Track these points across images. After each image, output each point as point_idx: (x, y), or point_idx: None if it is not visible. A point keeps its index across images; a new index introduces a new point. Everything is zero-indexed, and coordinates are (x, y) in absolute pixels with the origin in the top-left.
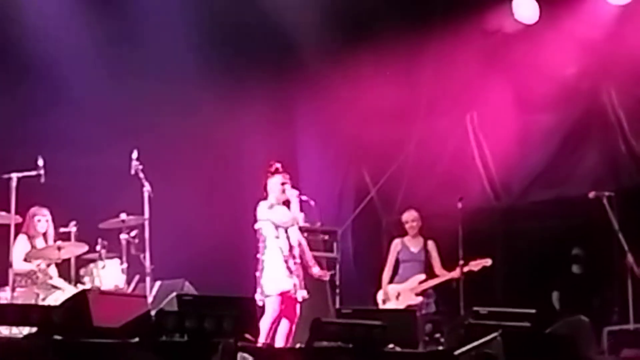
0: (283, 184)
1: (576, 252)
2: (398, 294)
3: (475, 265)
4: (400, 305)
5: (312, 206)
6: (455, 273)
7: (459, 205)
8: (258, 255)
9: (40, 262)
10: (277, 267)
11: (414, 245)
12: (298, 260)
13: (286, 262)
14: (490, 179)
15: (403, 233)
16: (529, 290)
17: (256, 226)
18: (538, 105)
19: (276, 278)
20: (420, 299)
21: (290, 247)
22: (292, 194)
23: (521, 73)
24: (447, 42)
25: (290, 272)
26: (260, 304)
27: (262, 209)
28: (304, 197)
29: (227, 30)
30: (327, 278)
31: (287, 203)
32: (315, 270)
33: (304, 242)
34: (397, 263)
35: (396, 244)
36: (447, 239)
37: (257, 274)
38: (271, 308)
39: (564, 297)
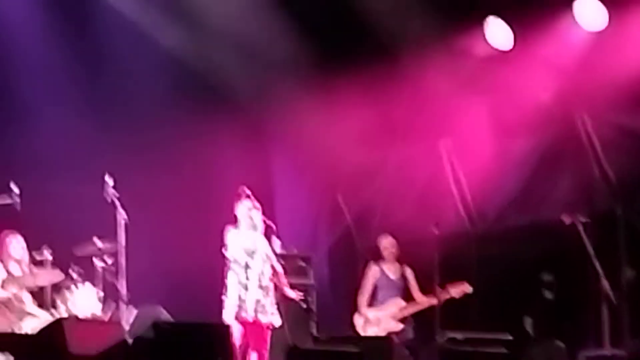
0: (250, 209)
1: (546, 277)
2: (378, 319)
3: (455, 292)
4: (381, 331)
5: (275, 231)
6: (434, 300)
7: (435, 231)
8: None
9: (17, 291)
10: (233, 294)
11: (392, 272)
12: (269, 286)
13: (245, 288)
14: (465, 204)
15: (379, 258)
16: (504, 316)
17: (225, 252)
18: (512, 130)
19: (230, 305)
20: (401, 325)
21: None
22: (258, 219)
23: (495, 98)
24: (422, 69)
25: (243, 300)
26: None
27: (229, 235)
28: (268, 222)
29: (201, 54)
30: (298, 298)
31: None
32: (288, 291)
33: (278, 266)
34: (374, 288)
35: (375, 270)
36: (422, 264)
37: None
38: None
39: (536, 322)
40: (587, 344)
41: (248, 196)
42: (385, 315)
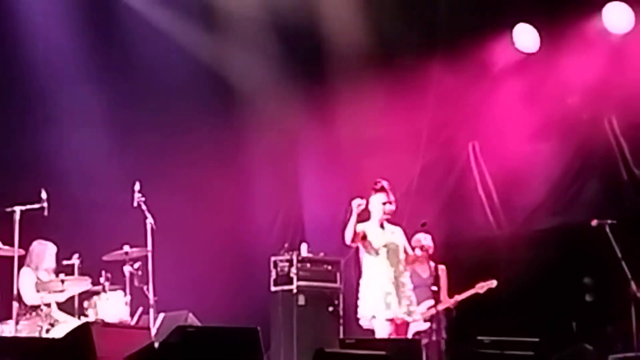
0: (384, 203)
1: (586, 280)
2: None
3: (481, 287)
4: (409, 331)
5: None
6: (455, 299)
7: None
8: None
9: (45, 297)
10: (367, 293)
11: (423, 270)
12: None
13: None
14: (492, 207)
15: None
16: (532, 319)
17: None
18: (539, 133)
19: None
20: (428, 324)
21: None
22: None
23: (522, 102)
24: (449, 72)
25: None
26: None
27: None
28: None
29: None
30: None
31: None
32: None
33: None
34: None
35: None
36: (449, 267)
37: None
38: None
39: (577, 325)
40: (616, 347)
41: (384, 189)
42: None
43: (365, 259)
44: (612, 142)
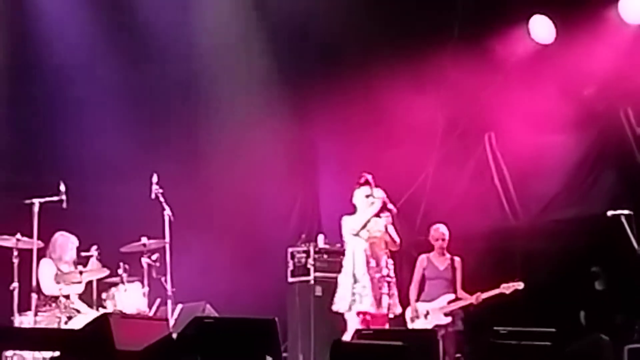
0: (367, 196)
1: (595, 269)
2: (427, 312)
3: (507, 287)
4: (428, 324)
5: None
6: (478, 296)
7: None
8: None
9: (65, 288)
10: (345, 284)
11: (440, 262)
12: (382, 275)
13: (354, 276)
14: (508, 198)
15: (429, 249)
16: (549, 309)
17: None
18: (555, 125)
19: (341, 295)
20: (449, 319)
21: (370, 261)
22: (379, 196)
23: (538, 93)
24: (465, 63)
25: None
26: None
27: (342, 224)
28: (390, 206)
29: (241, 58)
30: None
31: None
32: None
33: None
34: (423, 279)
35: (422, 259)
36: (466, 259)
37: None
38: (351, 325)
39: (588, 315)
40: (633, 337)
41: (368, 182)
42: (434, 309)
43: (347, 250)
44: (628, 133)
